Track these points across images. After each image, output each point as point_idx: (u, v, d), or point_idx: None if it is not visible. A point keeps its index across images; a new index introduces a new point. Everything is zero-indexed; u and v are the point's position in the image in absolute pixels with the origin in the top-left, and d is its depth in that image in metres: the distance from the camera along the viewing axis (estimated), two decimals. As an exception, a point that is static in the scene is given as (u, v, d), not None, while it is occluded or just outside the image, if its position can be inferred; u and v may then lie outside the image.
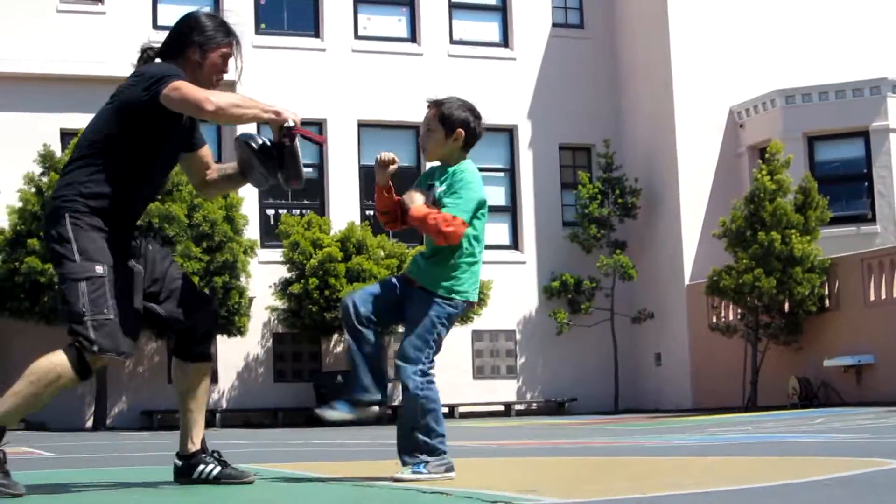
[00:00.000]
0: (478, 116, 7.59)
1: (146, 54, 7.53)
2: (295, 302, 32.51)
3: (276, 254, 33.65)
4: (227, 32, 7.45)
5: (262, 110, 7.13)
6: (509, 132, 38.04)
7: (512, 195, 37.92)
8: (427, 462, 7.20)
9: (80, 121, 32.72)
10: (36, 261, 29.04)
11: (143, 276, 7.18)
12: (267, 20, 36.54)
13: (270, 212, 35.73)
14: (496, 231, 37.02)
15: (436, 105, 7.66)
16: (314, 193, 36.09)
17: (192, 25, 7.43)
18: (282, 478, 8.32)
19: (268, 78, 35.47)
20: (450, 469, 7.30)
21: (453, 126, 7.45)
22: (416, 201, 7.38)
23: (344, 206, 35.61)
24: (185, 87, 6.94)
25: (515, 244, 37.69)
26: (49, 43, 34.19)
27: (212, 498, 6.86)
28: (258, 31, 36.14)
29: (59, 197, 7.06)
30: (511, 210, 37.86)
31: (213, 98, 6.92)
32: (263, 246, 33.99)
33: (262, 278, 33.47)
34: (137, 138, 7.18)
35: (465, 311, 7.74)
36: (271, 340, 34.82)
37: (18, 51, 33.98)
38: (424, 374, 7.27)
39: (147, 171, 7.33)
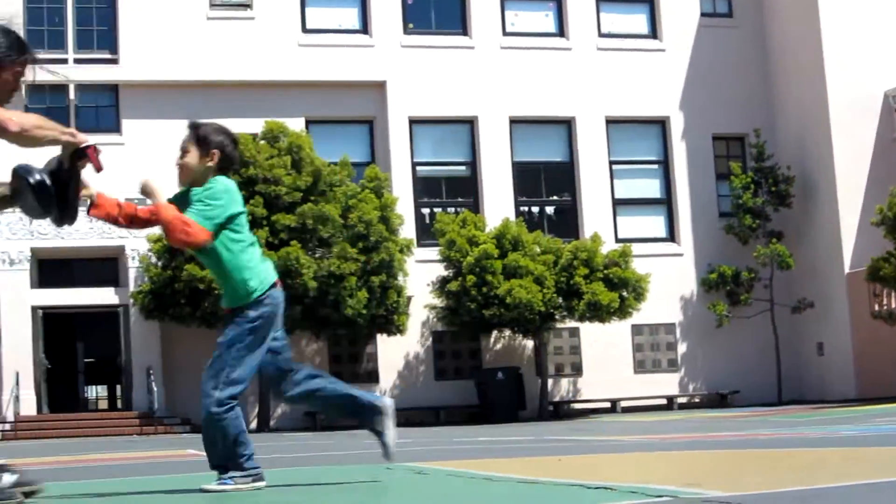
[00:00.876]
0: (234, 141, 7.48)
1: None
2: (453, 299, 32.52)
3: (433, 252, 33.69)
4: (22, 49, 7.07)
5: (61, 132, 6.90)
6: (661, 124, 37.72)
7: (666, 187, 37.59)
8: (234, 477, 7.17)
9: (234, 125, 33.26)
10: (195, 268, 29.50)
11: None
12: (415, 20, 36.61)
13: (426, 210, 35.82)
14: (652, 224, 36.75)
15: (192, 128, 7.48)
16: (468, 191, 36.12)
17: None
18: (446, 475, 8.31)
19: (417, 77, 35.66)
20: (258, 479, 7.25)
21: (209, 147, 7.31)
22: (156, 192, 7.35)
23: (498, 203, 35.57)
24: None
25: (672, 236, 37.38)
26: (200, 50, 34.69)
27: (372, 496, 6.88)
28: (406, 31, 36.26)
29: None
30: (666, 202, 37.52)
31: (15, 118, 6.65)
32: (419, 244, 34.05)
33: (420, 277, 33.54)
34: None
35: (275, 300, 7.43)
36: (430, 339, 34.87)
37: (170, 59, 34.53)
38: (220, 402, 7.34)
39: None
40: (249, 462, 7.23)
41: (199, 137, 7.35)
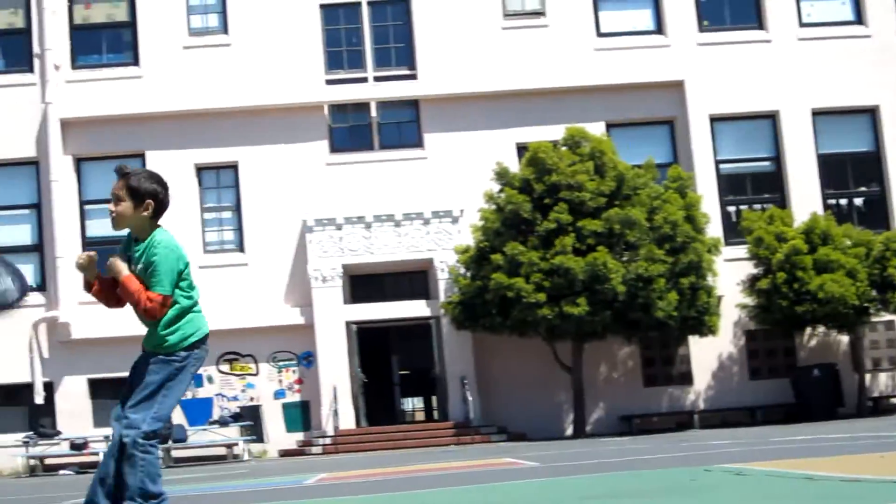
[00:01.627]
0: (166, 187, 7.40)
1: None
2: (764, 297, 32.04)
3: (741, 250, 33.25)
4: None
5: None
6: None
7: (880, 178, 36.15)
8: None
9: (535, 134, 33.63)
10: (503, 276, 29.79)
11: None
12: (709, 17, 36.27)
13: (731, 208, 35.41)
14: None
15: (123, 176, 7.40)
16: (774, 186, 35.58)
17: None
18: (765, 475, 8.24)
19: (715, 74, 35.34)
20: None
21: (143, 197, 7.30)
22: (122, 271, 7.29)
23: (805, 197, 34.88)
24: None
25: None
26: (494, 60, 35.08)
27: (692, 498, 6.87)
28: (701, 29, 35.96)
29: None
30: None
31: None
32: (727, 243, 33.65)
33: (729, 276, 33.16)
34: None
35: (205, 351, 7.47)
36: (743, 338, 34.42)
37: (467, 71, 35.02)
38: (147, 435, 7.22)
39: None
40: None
41: (131, 187, 7.36)
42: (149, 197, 7.29)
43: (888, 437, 14.37)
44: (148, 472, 7.17)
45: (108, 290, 7.50)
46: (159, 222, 7.44)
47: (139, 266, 7.29)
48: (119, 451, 7.21)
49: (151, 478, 7.17)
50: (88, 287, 7.49)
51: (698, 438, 20.14)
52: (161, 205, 7.33)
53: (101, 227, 34.72)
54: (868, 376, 33.78)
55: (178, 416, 33.04)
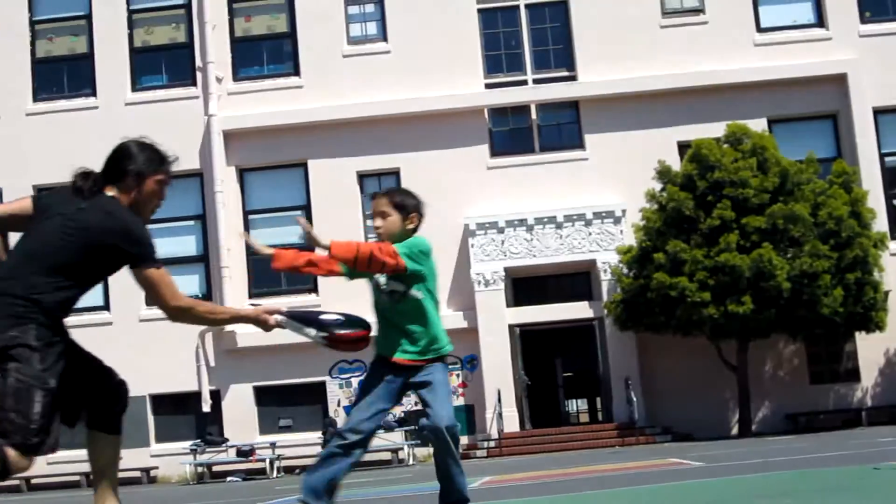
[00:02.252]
0: (422, 202, 7.88)
1: (78, 186, 7.04)
2: (933, 292, 31.47)
3: (909, 249, 32.73)
4: (161, 160, 7.25)
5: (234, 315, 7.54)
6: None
7: None
8: None
9: (694, 132, 33.37)
10: (665, 275, 29.65)
11: None
12: (871, 8, 35.87)
13: (897, 202, 34.85)
14: None
15: (387, 195, 7.92)
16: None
17: (123, 155, 7.12)
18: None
19: (878, 66, 34.78)
20: None
21: (408, 212, 7.79)
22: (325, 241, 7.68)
23: (975, 188, 34.15)
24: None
25: None
26: (653, 58, 34.90)
27: (861, 498, 6.79)
28: (864, 20, 35.47)
29: None
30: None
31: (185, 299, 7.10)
32: (893, 238, 33.12)
33: (896, 271, 32.63)
34: None
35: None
36: (913, 334, 33.81)
37: (627, 70, 34.90)
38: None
39: None
40: None
41: (396, 203, 7.79)
42: (414, 210, 7.78)
43: None
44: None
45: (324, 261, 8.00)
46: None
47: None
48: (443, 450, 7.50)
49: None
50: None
51: (866, 436, 19.83)
52: (421, 217, 7.82)
53: (264, 236, 35.26)
54: None
55: (343, 422, 33.31)
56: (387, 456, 33.00)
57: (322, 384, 34.71)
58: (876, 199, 33.04)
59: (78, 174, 7.01)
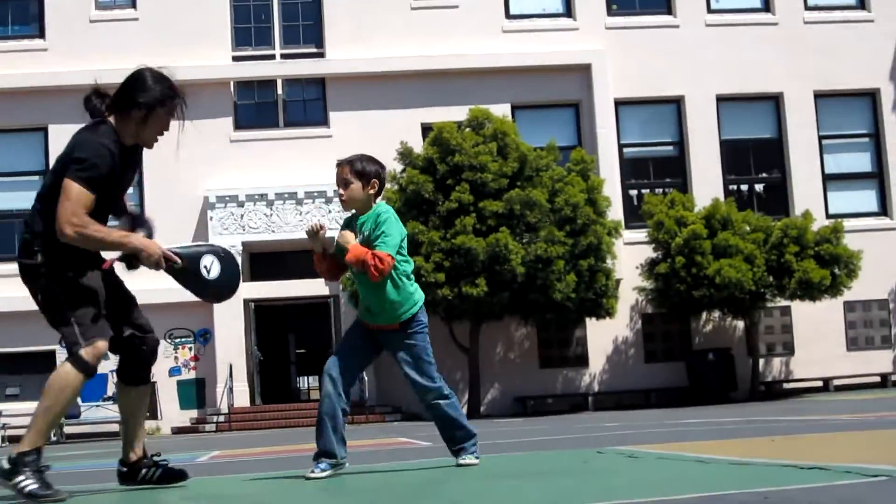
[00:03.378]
0: (383, 167, 8.40)
1: (93, 104, 7.64)
2: (662, 281, 32.28)
3: (641, 234, 33.50)
4: (173, 92, 7.90)
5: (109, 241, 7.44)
6: (871, 96, 36.83)
7: (878, 160, 36.70)
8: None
9: (439, 115, 33.54)
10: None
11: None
12: (619, 1, 36.44)
13: (633, 192, 35.64)
14: (862, 198, 35.97)
15: (348, 163, 8.30)
16: (676, 171, 35.86)
17: (136, 84, 7.82)
18: (657, 458, 8.23)
19: (622, 58, 35.50)
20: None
21: (369, 178, 8.20)
22: (350, 240, 8.13)
23: (707, 182, 35.20)
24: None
25: (884, 210, 36.45)
26: (402, 39, 35.01)
27: (583, 480, 6.84)
28: (610, 13, 36.11)
29: None
30: (878, 176, 36.65)
31: (75, 221, 7.24)
32: (628, 227, 33.89)
33: (628, 259, 33.40)
34: None
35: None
36: (640, 321, 34.71)
37: (375, 50, 34.92)
38: (442, 393, 8.53)
39: None
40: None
41: (357, 171, 8.20)
42: (374, 177, 8.19)
43: (779, 420, 14.49)
44: (461, 412, 8.66)
45: (331, 263, 8.41)
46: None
47: (364, 234, 8.12)
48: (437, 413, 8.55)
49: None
50: (317, 260, 8.44)
51: (592, 421, 20.22)
52: (382, 182, 8.26)
53: (2, 200, 34.38)
54: (762, 361, 34.18)
55: (71, 392, 32.72)
56: (115, 428, 32.40)
57: (52, 353, 33.83)
58: (612, 188, 33.76)
59: (93, 91, 7.90)
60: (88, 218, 7.22)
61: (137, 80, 7.89)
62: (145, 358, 7.95)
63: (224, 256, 7.87)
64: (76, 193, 7.19)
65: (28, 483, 6.96)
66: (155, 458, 7.90)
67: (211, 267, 7.78)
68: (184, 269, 7.61)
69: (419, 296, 8.32)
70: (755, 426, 13.05)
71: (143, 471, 7.83)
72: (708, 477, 6.42)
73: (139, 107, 7.71)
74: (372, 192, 8.25)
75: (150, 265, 7.51)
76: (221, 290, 8.00)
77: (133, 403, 8.01)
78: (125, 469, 7.90)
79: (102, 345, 7.40)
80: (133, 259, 7.46)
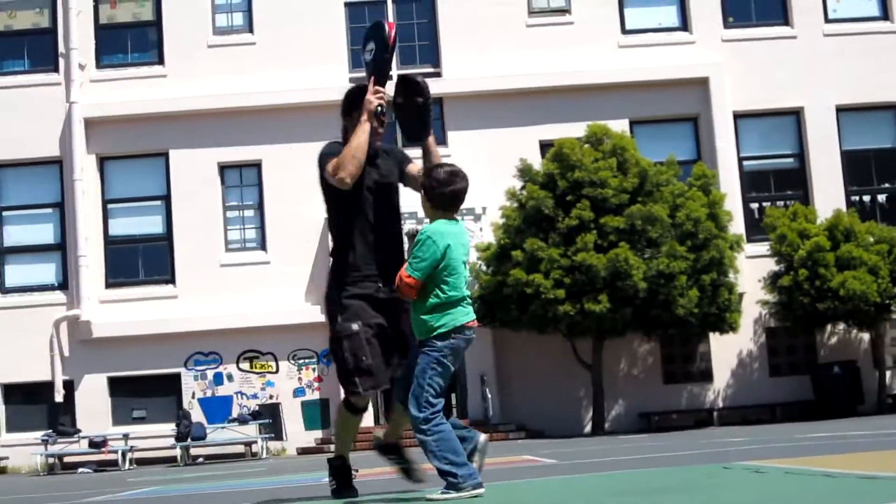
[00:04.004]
0: (443, 182, 8.35)
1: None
2: (785, 294, 31.96)
3: (763, 247, 33.20)
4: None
5: (363, 132, 8.68)
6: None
7: None
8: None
9: (556, 131, 33.54)
10: (520, 272, 29.78)
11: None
12: (735, 13, 36.26)
13: (754, 205, 35.36)
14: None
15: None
16: (797, 183, 35.51)
17: (352, 95, 9.09)
18: (784, 473, 8.19)
19: (740, 70, 35.26)
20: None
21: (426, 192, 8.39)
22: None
23: (828, 194, 34.80)
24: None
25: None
26: (518, 57, 35.05)
27: (710, 496, 6.83)
28: (727, 25, 35.98)
29: None
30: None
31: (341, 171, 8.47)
32: (749, 240, 33.61)
33: (751, 273, 33.12)
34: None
35: (463, 340, 8.21)
36: (763, 335, 34.36)
37: (492, 69, 35.00)
38: (418, 427, 7.92)
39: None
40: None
41: (423, 185, 8.46)
42: (426, 189, 8.30)
43: (908, 434, 14.31)
44: (444, 448, 7.81)
45: None
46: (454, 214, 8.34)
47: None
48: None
49: (451, 451, 7.80)
50: None
51: (717, 436, 20.07)
52: (435, 198, 8.22)
53: (122, 226, 34.94)
54: (888, 373, 33.72)
55: (197, 415, 33.21)
56: (240, 449, 32.80)
57: (177, 375, 34.32)
58: (733, 202, 33.51)
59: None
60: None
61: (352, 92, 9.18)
62: None
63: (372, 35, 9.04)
64: (332, 160, 8.60)
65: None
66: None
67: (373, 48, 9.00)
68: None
69: (447, 320, 8.05)
70: (883, 439, 12.89)
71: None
72: (836, 491, 6.39)
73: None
74: (427, 204, 8.32)
75: (375, 109, 8.85)
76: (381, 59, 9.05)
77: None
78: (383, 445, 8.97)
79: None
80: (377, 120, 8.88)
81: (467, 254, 8.30)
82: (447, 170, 8.37)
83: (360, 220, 8.63)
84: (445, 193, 8.25)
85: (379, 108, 8.75)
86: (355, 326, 8.39)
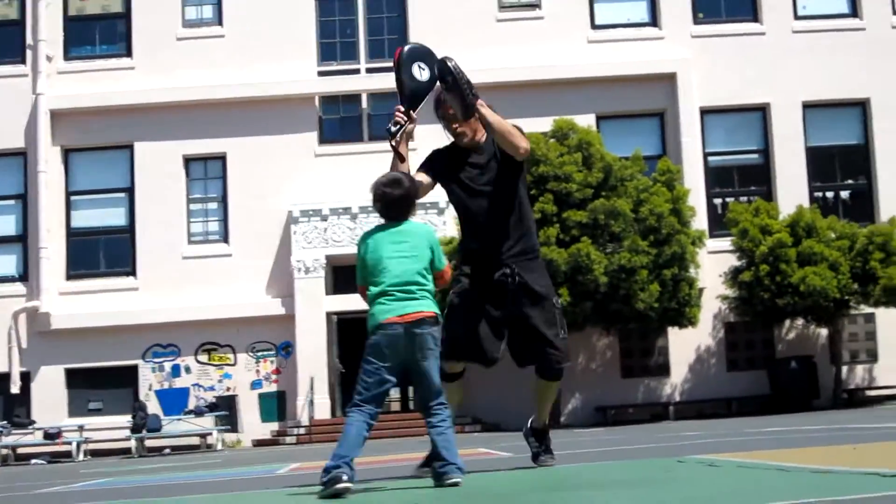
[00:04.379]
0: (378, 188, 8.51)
1: None
2: (745, 290, 32.06)
3: (725, 242, 33.31)
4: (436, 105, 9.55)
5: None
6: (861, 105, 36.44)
7: (867, 171, 36.21)
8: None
9: (524, 126, 33.27)
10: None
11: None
12: (704, 9, 36.43)
13: (718, 201, 35.46)
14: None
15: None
16: (761, 179, 35.63)
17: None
18: (737, 466, 8.14)
19: (708, 67, 35.35)
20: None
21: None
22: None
23: (792, 190, 34.93)
24: None
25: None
26: (488, 51, 35.04)
27: (663, 489, 6.77)
28: (696, 21, 36.07)
29: None
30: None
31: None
32: (712, 235, 33.72)
33: (712, 268, 33.23)
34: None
35: (383, 336, 8.06)
36: (722, 330, 34.53)
37: (460, 62, 34.86)
38: (348, 409, 8.10)
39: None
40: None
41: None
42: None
43: (861, 428, 14.31)
44: (340, 439, 7.94)
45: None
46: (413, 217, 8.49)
47: None
48: None
49: (340, 443, 7.88)
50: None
51: (673, 430, 20.08)
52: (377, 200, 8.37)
53: (85, 218, 34.83)
54: (845, 369, 33.88)
55: (153, 406, 33.18)
56: (196, 441, 32.77)
57: (135, 367, 34.25)
58: (697, 197, 33.62)
59: None
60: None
61: None
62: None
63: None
64: None
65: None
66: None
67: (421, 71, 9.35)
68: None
69: (371, 320, 8.10)
70: (837, 434, 12.88)
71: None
72: (789, 485, 6.34)
73: None
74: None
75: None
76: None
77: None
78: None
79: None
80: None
81: (411, 250, 8.24)
82: (381, 181, 8.45)
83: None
84: (376, 205, 8.39)
85: (393, 129, 9.21)
86: (453, 298, 9.22)
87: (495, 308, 9.10)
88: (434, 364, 8.08)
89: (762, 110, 35.90)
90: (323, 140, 35.34)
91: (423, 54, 9.60)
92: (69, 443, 31.85)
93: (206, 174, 35.24)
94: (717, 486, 6.71)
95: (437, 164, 9.55)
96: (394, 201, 8.33)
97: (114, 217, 35.11)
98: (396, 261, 8.15)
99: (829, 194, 35.90)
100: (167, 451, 31.98)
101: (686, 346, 34.19)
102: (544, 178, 30.81)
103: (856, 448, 9.50)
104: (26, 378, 34.07)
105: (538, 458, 9.79)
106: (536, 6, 36.00)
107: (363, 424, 7.93)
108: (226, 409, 33.14)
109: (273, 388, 34.07)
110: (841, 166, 36.15)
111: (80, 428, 32.37)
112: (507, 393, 33.27)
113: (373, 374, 8.03)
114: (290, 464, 15.81)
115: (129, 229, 34.84)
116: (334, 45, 36.07)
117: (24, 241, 34.99)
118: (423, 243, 8.29)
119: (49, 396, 33.88)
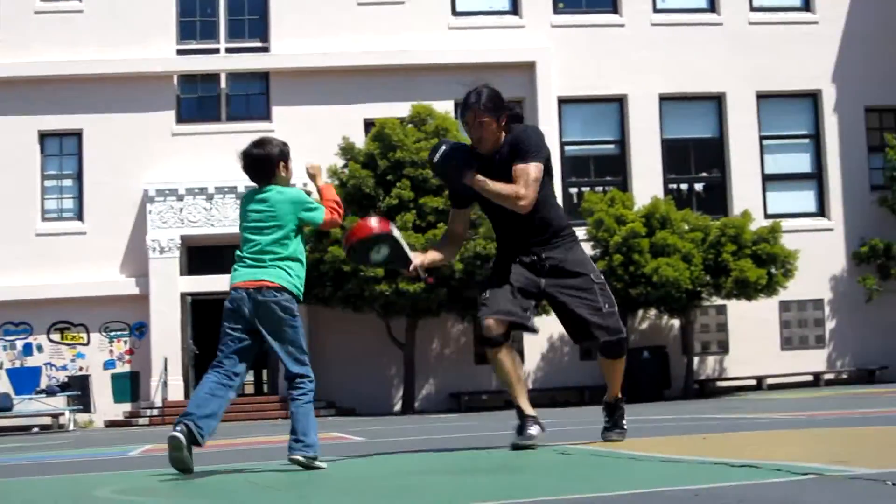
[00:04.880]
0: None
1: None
2: (600, 279, 32.36)
3: (580, 232, 33.56)
4: (462, 110, 9.71)
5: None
6: (813, 97, 37.09)
7: (817, 161, 36.99)
8: None
9: (383, 111, 33.50)
10: (339, 250, 29.74)
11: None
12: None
13: (573, 190, 35.77)
14: (802, 199, 36.23)
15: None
16: (617, 169, 36.00)
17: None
18: (590, 455, 8.26)
19: (567, 56, 35.57)
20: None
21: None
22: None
23: (647, 181, 35.37)
24: None
25: (822, 211, 36.74)
26: (348, 35, 34.96)
27: (515, 477, 6.84)
28: (556, 11, 36.31)
29: None
30: (817, 176, 36.93)
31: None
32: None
33: (566, 257, 33.45)
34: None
35: (230, 300, 8.33)
36: (577, 319, 34.74)
37: (320, 46, 34.83)
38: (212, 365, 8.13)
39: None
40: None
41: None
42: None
43: (711, 419, 14.57)
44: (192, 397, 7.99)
45: None
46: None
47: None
48: None
49: (191, 401, 7.92)
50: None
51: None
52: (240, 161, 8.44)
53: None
54: (696, 359, 34.40)
55: (4, 385, 32.64)
56: (47, 421, 32.31)
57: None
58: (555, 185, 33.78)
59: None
60: None
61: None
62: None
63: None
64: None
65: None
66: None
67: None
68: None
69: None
70: (687, 424, 13.11)
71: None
72: (639, 474, 6.44)
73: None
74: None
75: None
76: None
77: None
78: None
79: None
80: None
81: (269, 219, 8.22)
82: (252, 142, 8.53)
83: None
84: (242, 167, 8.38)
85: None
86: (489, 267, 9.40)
87: (530, 281, 9.35)
88: (288, 337, 8.21)
89: (619, 101, 36.29)
90: (180, 119, 35.01)
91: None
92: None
93: (62, 150, 34.73)
94: (568, 474, 6.79)
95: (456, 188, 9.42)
96: (251, 163, 8.32)
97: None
98: (251, 230, 8.23)
99: (684, 186, 36.41)
100: (36, 429, 31.53)
101: (539, 334, 34.37)
102: (401, 163, 30.87)
103: (705, 438, 9.68)
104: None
105: (604, 432, 10.16)
106: (399, -8, 36.06)
107: (214, 384, 7.88)
108: (78, 389, 32.73)
109: (126, 368, 33.72)
110: (696, 159, 36.68)
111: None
112: (362, 378, 33.36)
113: (226, 334, 8.11)
114: (143, 445, 15.71)
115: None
116: (194, 24, 35.75)
117: None
118: (285, 209, 8.23)
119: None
